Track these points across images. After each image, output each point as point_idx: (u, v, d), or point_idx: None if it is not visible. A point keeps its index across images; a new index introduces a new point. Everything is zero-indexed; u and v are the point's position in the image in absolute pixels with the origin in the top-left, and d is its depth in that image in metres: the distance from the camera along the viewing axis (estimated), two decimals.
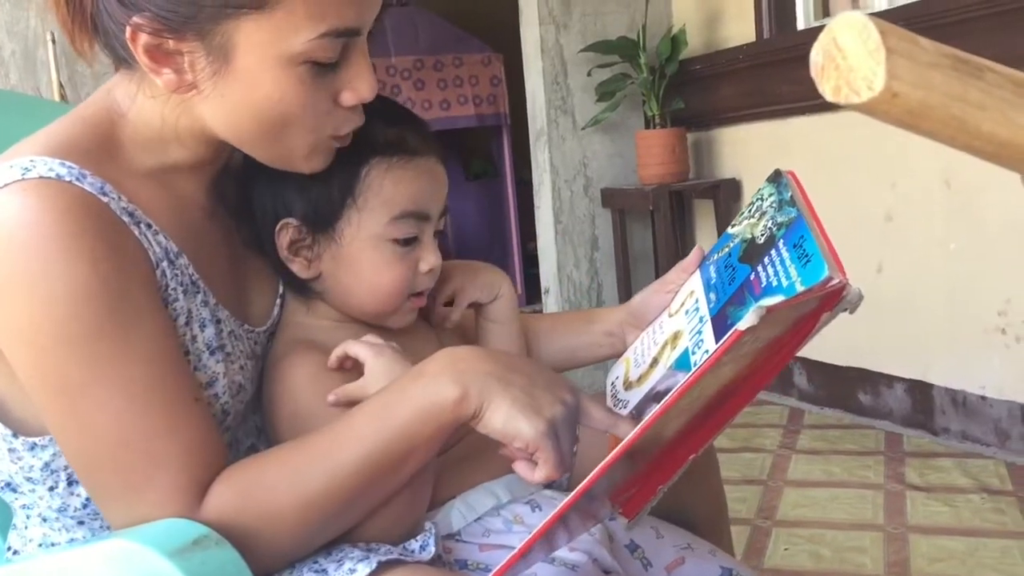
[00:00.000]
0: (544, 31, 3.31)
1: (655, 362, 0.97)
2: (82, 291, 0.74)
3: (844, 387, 2.91)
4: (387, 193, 0.89)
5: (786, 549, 2.02)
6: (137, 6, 0.77)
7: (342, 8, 0.77)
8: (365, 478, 0.78)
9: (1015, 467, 2.35)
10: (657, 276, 3.41)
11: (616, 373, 1.06)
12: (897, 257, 2.69)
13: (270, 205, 0.90)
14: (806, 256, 0.80)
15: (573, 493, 0.73)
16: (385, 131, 0.89)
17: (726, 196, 3.20)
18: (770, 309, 0.67)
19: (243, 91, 0.79)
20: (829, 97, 0.45)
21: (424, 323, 1.01)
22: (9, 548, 0.91)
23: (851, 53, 0.45)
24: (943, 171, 2.52)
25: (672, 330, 0.98)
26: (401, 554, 0.79)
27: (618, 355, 1.10)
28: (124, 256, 0.78)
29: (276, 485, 0.77)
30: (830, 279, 0.74)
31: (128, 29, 0.78)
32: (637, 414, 0.92)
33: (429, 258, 0.93)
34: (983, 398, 2.51)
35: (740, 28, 3.16)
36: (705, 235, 3.43)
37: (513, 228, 4.97)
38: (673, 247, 3.14)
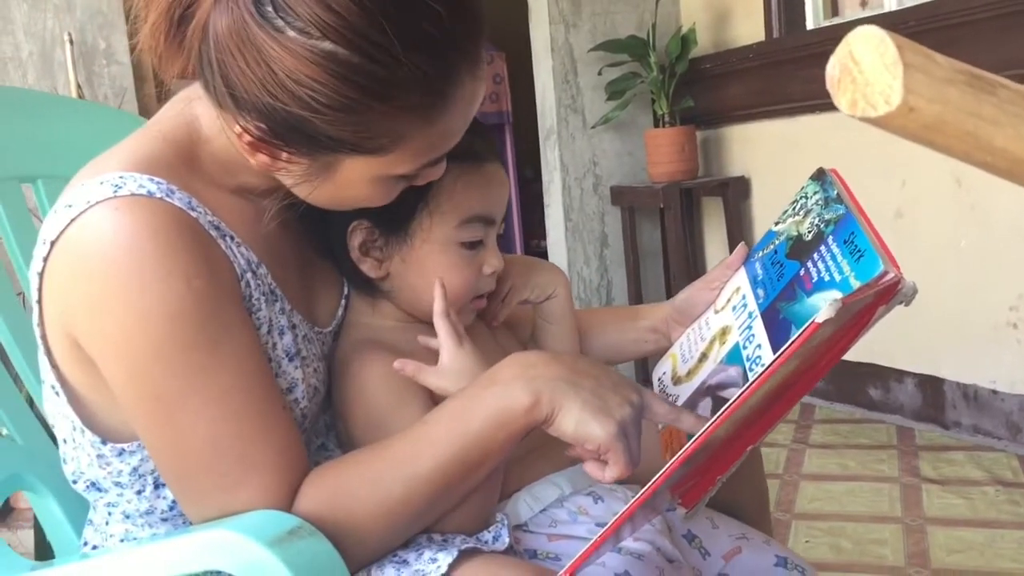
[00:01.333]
0: (554, 30, 3.34)
1: (704, 357, 1.00)
2: (176, 308, 0.76)
3: (854, 382, 2.95)
4: (458, 198, 0.91)
5: (807, 541, 2.06)
6: (250, 112, 0.75)
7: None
8: (442, 483, 0.81)
9: None
10: (667, 273, 3.47)
11: (663, 369, 1.09)
12: (908, 253, 2.72)
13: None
14: (858, 251, 0.83)
15: (642, 492, 0.76)
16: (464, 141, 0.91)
17: (735, 194, 3.23)
18: (845, 301, 0.69)
19: (332, 190, 0.82)
20: (845, 110, 0.46)
21: (479, 321, 1.04)
22: (86, 543, 0.93)
23: (868, 67, 0.45)
24: (953, 170, 2.56)
25: (720, 326, 1.01)
26: (477, 544, 0.82)
27: (662, 351, 1.12)
28: (214, 270, 0.80)
29: (358, 492, 0.81)
30: (885, 273, 0.77)
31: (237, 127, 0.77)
32: (690, 407, 0.95)
33: (493, 261, 0.95)
34: (994, 392, 2.55)
35: (749, 27, 3.20)
36: (714, 232, 3.46)
37: (516, 225, 5.00)
38: (683, 244, 3.18)
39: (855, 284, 0.78)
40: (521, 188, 4.88)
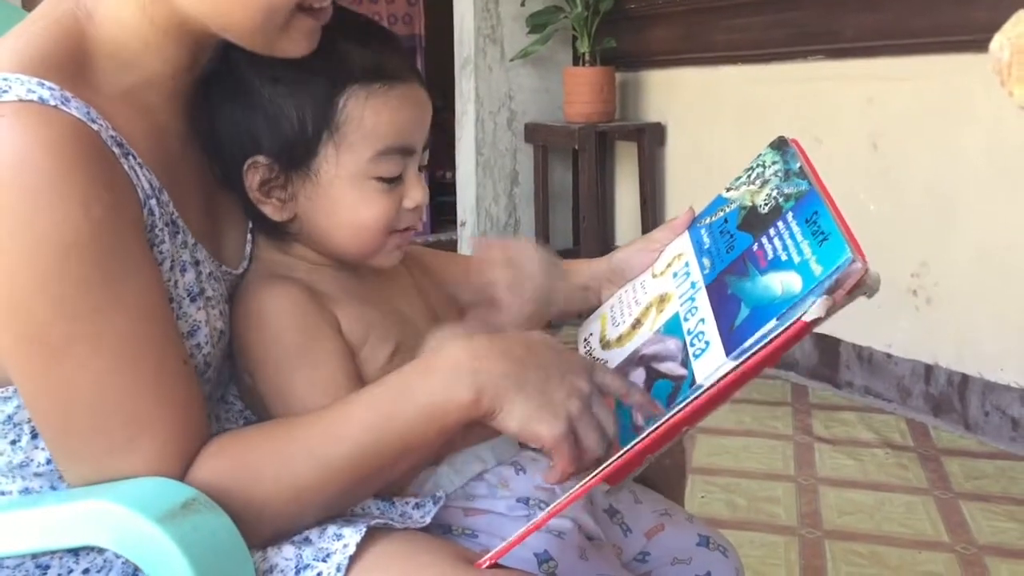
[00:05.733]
0: None
1: (638, 323, 0.94)
2: (71, 239, 0.66)
3: None
4: (368, 126, 0.80)
5: (703, 497, 2.06)
6: None
7: None
8: (356, 474, 0.73)
9: (915, 423, 2.45)
10: (576, 216, 3.42)
11: (590, 329, 1.03)
12: None
13: (237, 139, 0.81)
14: (822, 234, 0.77)
15: (578, 487, 0.70)
16: (362, 54, 0.80)
17: (650, 140, 3.19)
18: (836, 299, 0.64)
19: None
20: (1021, 101, 0.38)
21: (401, 266, 0.95)
22: None
23: None
24: (871, 133, 2.56)
25: (658, 292, 0.96)
26: (393, 519, 0.75)
27: (591, 310, 1.07)
28: (116, 196, 0.69)
29: (264, 470, 0.72)
30: (853, 262, 0.71)
31: None
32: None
33: (415, 194, 0.84)
34: (888, 356, 2.59)
35: None
36: (626, 177, 3.43)
37: None
38: (595, 188, 3.13)
39: (816, 269, 0.73)
40: None
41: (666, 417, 0.69)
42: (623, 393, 0.76)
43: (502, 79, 3.30)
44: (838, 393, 2.69)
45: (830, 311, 0.76)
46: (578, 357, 0.78)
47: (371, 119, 0.80)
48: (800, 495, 2.07)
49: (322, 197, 0.82)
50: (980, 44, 2.29)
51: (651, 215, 3.21)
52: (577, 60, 3.21)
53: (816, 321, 0.65)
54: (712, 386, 0.68)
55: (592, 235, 3.11)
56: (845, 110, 2.61)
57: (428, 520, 0.76)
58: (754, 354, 0.66)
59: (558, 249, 3.65)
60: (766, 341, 0.66)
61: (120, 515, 0.65)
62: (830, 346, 2.74)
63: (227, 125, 0.82)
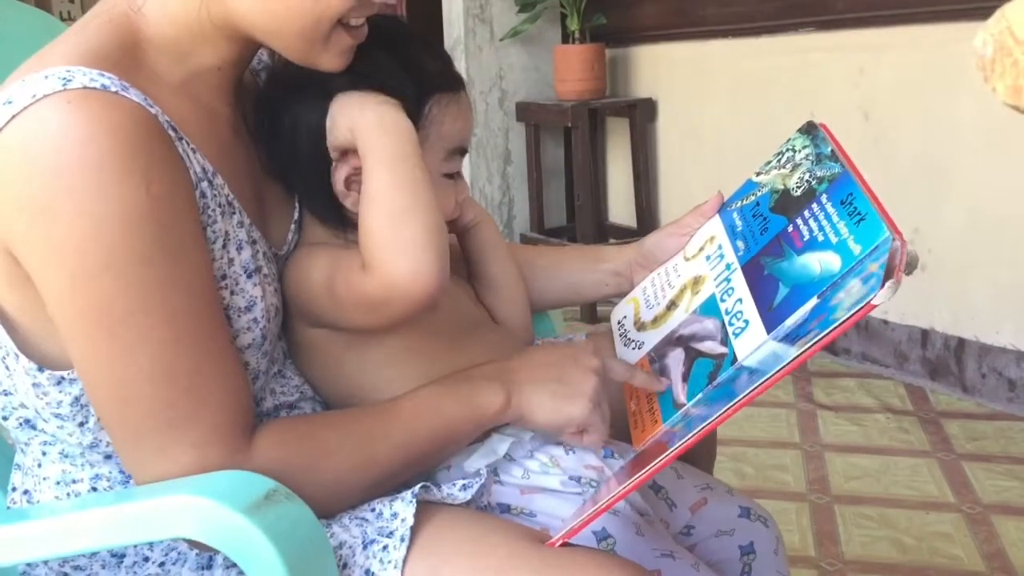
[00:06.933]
0: None
1: (673, 305, 0.97)
2: (134, 214, 0.69)
3: None
4: (446, 129, 0.88)
5: None
6: None
7: None
8: (403, 461, 0.81)
9: (913, 388, 2.50)
10: (569, 193, 3.44)
11: (624, 312, 1.06)
12: None
13: (321, 135, 0.84)
14: (858, 214, 0.80)
15: (641, 474, 0.73)
16: (438, 66, 0.89)
17: (642, 116, 3.21)
18: (897, 278, 0.67)
19: None
20: (1003, 98, 0.40)
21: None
22: (14, 489, 0.85)
23: None
24: (862, 103, 2.59)
25: (692, 274, 0.98)
26: (434, 493, 0.79)
27: (622, 295, 1.09)
28: (174, 176, 0.73)
29: (325, 454, 0.78)
30: (892, 240, 0.74)
31: None
32: (656, 356, 0.92)
33: (463, 190, 0.94)
34: (885, 322, 2.64)
35: None
36: (618, 154, 3.45)
37: None
38: (588, 165, 3.15)
39: (855, 248, 0.75)
40: None
41: (734, 403, 0.72)
42: (628, 376, 0.86)
43: (492, 59, 3.31)
44: (836, 360, 2.74)
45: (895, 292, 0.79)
46: (586, 343, 0.90)
47: (448, 123, 0.88)
48: (807, 461, 2.11)
49: None
50: (970, 13, 2.33)
51: (644, 190, 3.23)
52: (567, 38, 3.22)
53: (878, 305, 0.67)
54: (776, 372, 0.71)
55: (586, 212, 3.14)
56: (836, 81, 2.64)
57: (469, 496, 0.80)
58: (819, 340, 0.68)
59: (552, 227, 3.66)
60: (832, 327, 0.68)
61: (207, 508, 0.67)
62: None
63: (310, 123, 0.85)
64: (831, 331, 0.68)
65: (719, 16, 2.89)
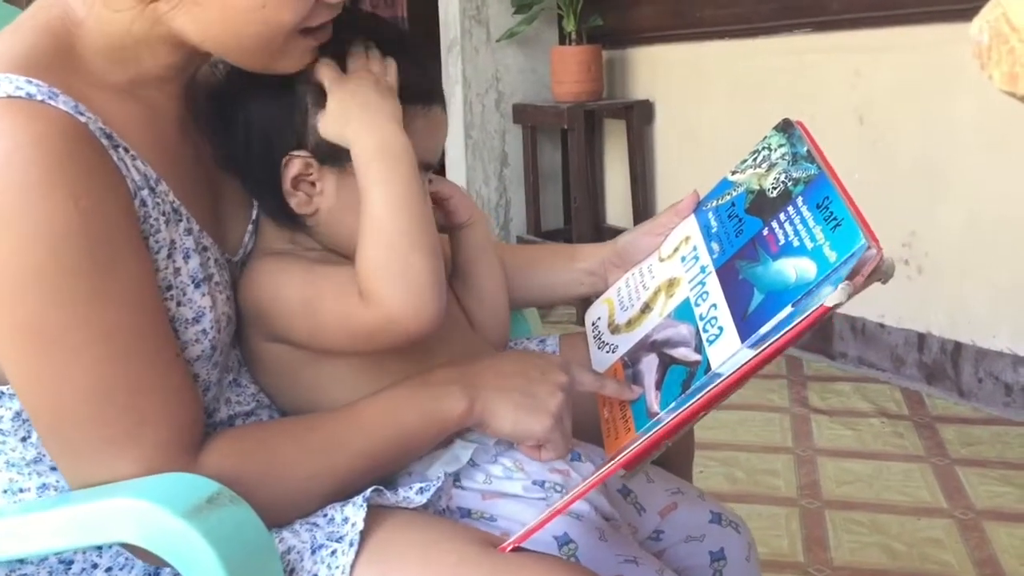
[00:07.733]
0: None
1: (647, 308, 0.95)
2: (62, 229, 0.67)
3: None
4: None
5: (701, 471, 2.08)
6: None
7: None
8: (363, 469, 0.79)
9: (909, 392, 2.47)
10: (567, 196, 3.42)
11: (598, 313, 1.04)
12: None
13: (273, 133, 0.82)
14: (834, 220, 0.77)
15: (596, 475, 0.72)
16: (417, 74, 0.85)
17: (639, 118, 3.19)
18: (855, 284, 0.65)
19: None
20: (1000, 85, 0.39)
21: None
22: None
23: None
24: (857, 107, 2.57)
25: (666, 276, 0.96)
26: (388, 497, 0.77)
27: (597, 294, 1.07)
28: (105, 187, 0.70)
29: (278, 461, 0.77)
30: (868, 248, 0.71)
31: None
32: (630, 361, 0.90)
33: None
34: (881, 326, 2.61)
35: None
36: (615, 156, 3.43)
37: None
38: (585, 167, 3.13)
39: (830, 255, 0.73)
40: None
41: (685, 405, 0.70)
42: (598, 387, 0.84)
43: (489, 60, 3.29)
44: (832, 364, 2.71)
45: (850, 296, 0.77)
46: (555, 357, 0.88)
47: (411, 138, 0.83)
48: (799, 466, 2.09)
49: (349, 196, 0.83)
50: (967, 14, 2.31)
51: (641, 192, 3.21)
52: (563, 39, 3.20)
53: (836, 306, 0.65)
54: (731, 374, 0.69)
55: (583, 214, 3.12)
56: (833, 83, 2.62)
57: (424, 500, 0.78)
58: (774, 342, 0.67)
59: (549, 229, 3.65)
60: (787, 328, 0.66)
61: (146, 511, 0.65)
62: None
63: (263, 119, 0.83)
64: (787, 332, 0.66)
65: (716, 17, 2.88)
